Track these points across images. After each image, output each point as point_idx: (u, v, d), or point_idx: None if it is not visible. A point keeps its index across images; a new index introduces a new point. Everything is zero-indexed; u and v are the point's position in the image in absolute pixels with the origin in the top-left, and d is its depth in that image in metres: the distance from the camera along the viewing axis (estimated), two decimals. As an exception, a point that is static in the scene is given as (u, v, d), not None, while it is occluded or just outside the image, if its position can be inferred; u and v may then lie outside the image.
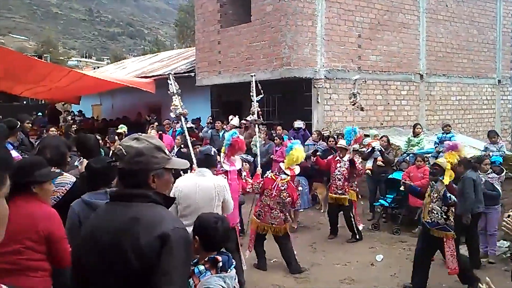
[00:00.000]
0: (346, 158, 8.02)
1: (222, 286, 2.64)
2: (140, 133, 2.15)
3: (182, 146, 10.03)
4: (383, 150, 9.26)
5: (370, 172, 9.33)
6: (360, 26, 12.51)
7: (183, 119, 7.32)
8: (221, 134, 11.33)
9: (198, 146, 8.75)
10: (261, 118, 8.34)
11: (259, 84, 7.93)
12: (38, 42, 72.37)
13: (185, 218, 4.13)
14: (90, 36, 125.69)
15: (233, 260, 2.82)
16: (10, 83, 14.67)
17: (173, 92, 7.22)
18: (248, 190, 6.59)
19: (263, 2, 11.99)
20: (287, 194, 6.50)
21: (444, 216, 5.78)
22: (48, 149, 3.74)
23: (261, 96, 7.95)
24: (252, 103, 7.87)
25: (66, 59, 61.24)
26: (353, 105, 8.71)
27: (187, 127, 10.92)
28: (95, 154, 4.29)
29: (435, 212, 5.81)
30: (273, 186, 6.54)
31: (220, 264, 2.70)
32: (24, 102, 21.96)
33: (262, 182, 6.64)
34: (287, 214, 6.71)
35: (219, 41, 13.66)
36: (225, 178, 5.44)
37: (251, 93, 7.90)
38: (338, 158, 8.15)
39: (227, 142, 6.10)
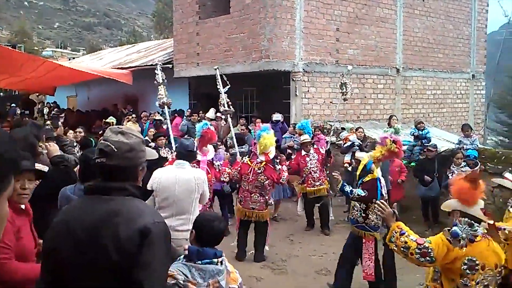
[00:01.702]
0: (312, 150, 8.19)
1: (183, 274, 2.62)
2: (120, 126, 2.14)
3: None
4: (361, 143, 9.37)
5: (348, 166, 9.41)
6: (339, 20, 12.58)
7: (166, 108, 7.44)
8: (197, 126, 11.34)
9: (162, 138, 8.82)
10: (231, 108, 8.51)
11: (224, 76, 8.25)
12: (12, 31, 70.65)
13: (163, 210, 4.13)
14: (66, 26, 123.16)
15: (220, 259, 2.77)
16: (-17, 74, 14.31)
17: (159, 82, 7.38)
18: (222, 179, 6.67)
19: (242, -6, 11.95)
20: (265, 177, 6.60)
21: (363, 214, 5.36)
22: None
23: (228, 86, 8.22)
24: (220, 95, 8.18)
25: (40, 49, 59.94)
26: (343, 94, 8.83)
27: (155, 119, 11.04)
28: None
29: (355, 209, 5.47)
30: (249, 171, 6.65)
31: (186, 252, 2.72)
32: (-2, 93, 21.51)
33: (239, 168, 6.77)
34: (267, 197, 6.77)
35: (197, 32, 13.57)
36: (196, 167, 5.65)
37: (218, 86, 8.21)
38: (304, 153, 8.27)
39: (198, 133, 6.24)
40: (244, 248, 6.87)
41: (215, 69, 8.52)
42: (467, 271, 3.05)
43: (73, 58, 39.72)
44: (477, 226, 3.16)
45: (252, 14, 11.73)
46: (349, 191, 5.39)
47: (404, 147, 9.78)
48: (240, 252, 6.84)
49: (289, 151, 10.02)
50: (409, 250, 3.14)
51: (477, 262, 3.03)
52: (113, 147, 1.94)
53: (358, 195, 5.31)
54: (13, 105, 19.68)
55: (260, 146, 6.63)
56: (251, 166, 6.66)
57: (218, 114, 12.05)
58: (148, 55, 18.16)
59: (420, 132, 9.62)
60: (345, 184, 5.51)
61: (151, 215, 1.91)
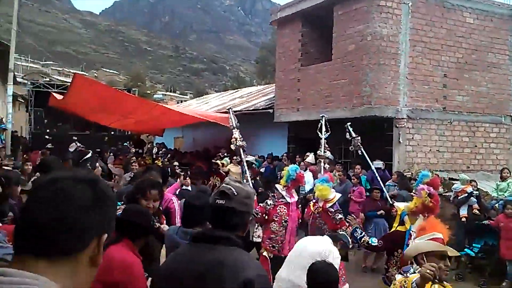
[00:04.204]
0: None
1: None
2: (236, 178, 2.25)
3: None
4: (480, 195, 8.75)
5: (465, 220, 8.76)
6: (446, 66, 12.10)
7: (241, 151, 7.62)
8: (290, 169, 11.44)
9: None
10: (328, 153, 8.71)
11: (327, 123, 8.64)
12: (128, 76, 77.20)
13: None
14: (176, 72, 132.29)
15: None
16: (102, 115, 15.68)
17: (233, 125, 7.67)
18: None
19: (345, 41, 12.01)
20: (322, 222, 6.29)
21: (385, 266, 5.05)
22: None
23: (328, 133, 8.58)
24: (321, 140, 8.49)
25: (152, 93, 64.64)
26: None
27: (246, 161, 11.58)
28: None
29: None
30: (310, 214, 6.43)
31: None
32: (112, 133, 23.32)
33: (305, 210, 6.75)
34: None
35: (299, 79, 13.80)
36: (285, 209, 5.84)
37: (319, 131, 8.61)
38: None
39: (292, 176, 6.18)
40: None
41: (321, 116, 8.81)
42: None
43: (181, 101, 42.21)
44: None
45: (355, 60, 11.70)
46: (358, 237, 5.02)
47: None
48: None
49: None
50: None
51: None
52: (234, 190, 2.03)
53: (367, 243, 4.96)
54: (125, 144, 21.20)
55: (318, 196, 6.48)
56: (312, 210, 6.50)
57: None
58: (251, 100, 18.76)
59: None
60: (357, 229, 5.15)
61: (255, 268, 1.93)
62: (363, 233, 5.20)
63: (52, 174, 1.14)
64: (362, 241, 5.04)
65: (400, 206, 5.28)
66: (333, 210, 6.19)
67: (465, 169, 12.01)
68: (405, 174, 10.39)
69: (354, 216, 5.66)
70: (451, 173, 11.15)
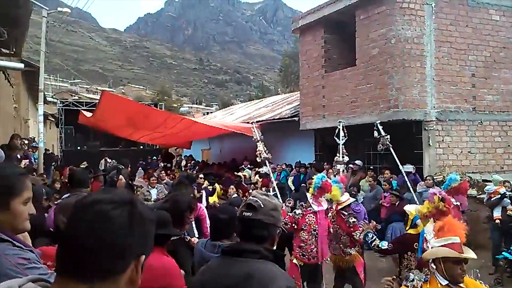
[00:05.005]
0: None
1: None
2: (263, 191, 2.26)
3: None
4: None
5: (499, 222, 8.52)
6: (474, 65, 11.86)
7: (267, 163, 7.95)
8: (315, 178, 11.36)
9: None
10: (346, 158, 8.78)
11: (344, 129, 8.81)
12: (154, 91, 78.34)
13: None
14: (201, 84, 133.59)
15: None
16: (130, 130, 15.94)
17: (257, 139, 7.94)
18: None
19: (368, 45, 11.91)
20: (337, 226, 6.27)
21: (398, 269, 5.09)
22: (170, 202, 3.84)
23: (346, 138, 8.74)
24: (338, 146, 8.69)
25: (178, 106, 65.33)
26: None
27: (262, 173, 11.80)
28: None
29: None
30: (325, 218, 6.33)
31: None
32: (141, 147, 23.66)
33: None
34: (342, 246, 6.26)
35: (323, 85, 13.74)
36: (313, 218, 5.83)
37: (337, 136, 8.77)
38: None
39: (317, 185, 6.13)
40: None
41: (339, 122, 8.88)
42: None
43: (207, 113, 42.51)
44: None
45: (379, 64, 11.58)
46: (369, 241, 5.10)
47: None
48: None
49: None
50: None
51: None
52: (261, 203, 2.06)
53: (377, 246, 5.04)
54: (154, 158, 21.47)
55: (329, 197, 6.40)
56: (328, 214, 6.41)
57: (350, 165, 11.81)
58: (275, 109, 18.76)
59: None
60: (369, 233, 5.24)
61: (284, 280, 1.92)
62: (374, 237, 5.29)
63: (91, 196, 1.16)
64: (372, 244, 5.17)
65: (411, 210, 5.28)
66: (346, 214, 6.16)
67: (498, 169, 11.71)
68: (435, 177, 10.18)
69: (367, 222, 5.63)
70: (484, 174, 10.88)
